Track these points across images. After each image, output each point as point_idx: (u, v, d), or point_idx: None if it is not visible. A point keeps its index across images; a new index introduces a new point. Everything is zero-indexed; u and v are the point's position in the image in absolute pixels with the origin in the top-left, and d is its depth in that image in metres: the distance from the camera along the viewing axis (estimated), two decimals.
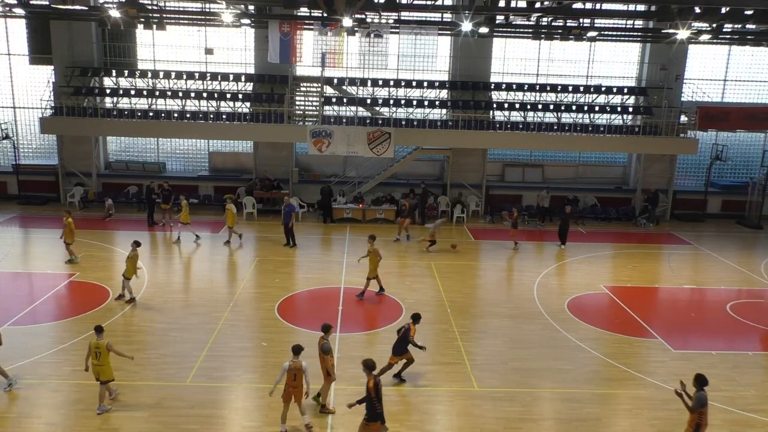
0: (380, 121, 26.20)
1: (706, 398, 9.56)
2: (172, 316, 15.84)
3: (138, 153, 29.22)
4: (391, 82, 27.68)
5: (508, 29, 24.09)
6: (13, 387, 12.04)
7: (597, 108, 27.64)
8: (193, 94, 26.93)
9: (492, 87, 27.90)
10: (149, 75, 27.38)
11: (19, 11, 23.01)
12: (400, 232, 23.75)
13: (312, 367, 11.19)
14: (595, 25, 23.69)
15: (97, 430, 10.86)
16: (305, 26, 24.30)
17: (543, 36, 25.61)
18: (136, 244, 16.88)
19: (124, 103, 26.91)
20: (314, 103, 27.28)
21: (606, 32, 24.20)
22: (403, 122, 26.39)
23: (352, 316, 16.22)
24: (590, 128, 26.95)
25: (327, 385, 11.68)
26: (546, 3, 19.18)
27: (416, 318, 12.89)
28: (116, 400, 11.76)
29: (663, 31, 21.97)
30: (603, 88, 28.08)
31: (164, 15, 22.64)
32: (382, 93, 27.69)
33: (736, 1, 16.57)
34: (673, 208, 28.77)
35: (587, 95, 28.05)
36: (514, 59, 28.55)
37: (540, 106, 27.58)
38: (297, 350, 10.88)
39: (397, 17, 24.22)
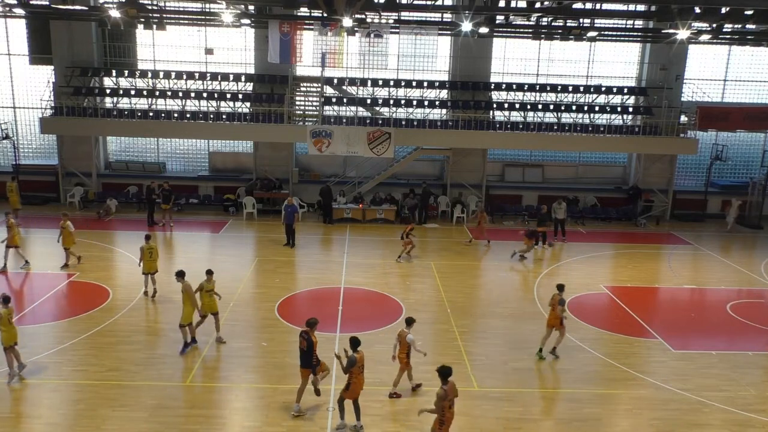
0: (380, 121, 26.19)
1: (355, 359, 10.84)
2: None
3: (138, 153, 29.21)
4: (391, 82, 27.66)
5: (508, 29, 24.09)
6: None
7: (597, 108, 27.63)
8: (193, 94, 26.92)
9: (492, 87, 27.89)
10: (149, 75, 27.37)
11: (19, 11, 23.00)
12: (403, 252, 21.27)
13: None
14: (595, 25, 23.67)
15: (96, 430, 10.86)
16: (305, 26, 24.30)
17: (543, 36, 25.59)
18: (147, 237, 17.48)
19: (124, 103, 26.90)
20: (314, 103, 27.27)
21: (606, 32, 24.20)
22: (403, 122, 26.38)
23: (352, 316, 16.21)
24: (590, 128, 26.94)
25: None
26: (546, 3, 19.19)
27: None
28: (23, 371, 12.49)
29: (663, 31, 21.96)
30: (603, 88, 28.07)
31: (164, 15, 22.63)
32: (382, 93, 27.68)
33: (736, 1, 16.57)
34: (673, 208, 28.77)
35: (587, 95, 28.03)
36: (514, 59, 28.53)
37: (540, 106, 27.56)
38: (409, 321, 12.33)
39: (397, 17, 24.22)
